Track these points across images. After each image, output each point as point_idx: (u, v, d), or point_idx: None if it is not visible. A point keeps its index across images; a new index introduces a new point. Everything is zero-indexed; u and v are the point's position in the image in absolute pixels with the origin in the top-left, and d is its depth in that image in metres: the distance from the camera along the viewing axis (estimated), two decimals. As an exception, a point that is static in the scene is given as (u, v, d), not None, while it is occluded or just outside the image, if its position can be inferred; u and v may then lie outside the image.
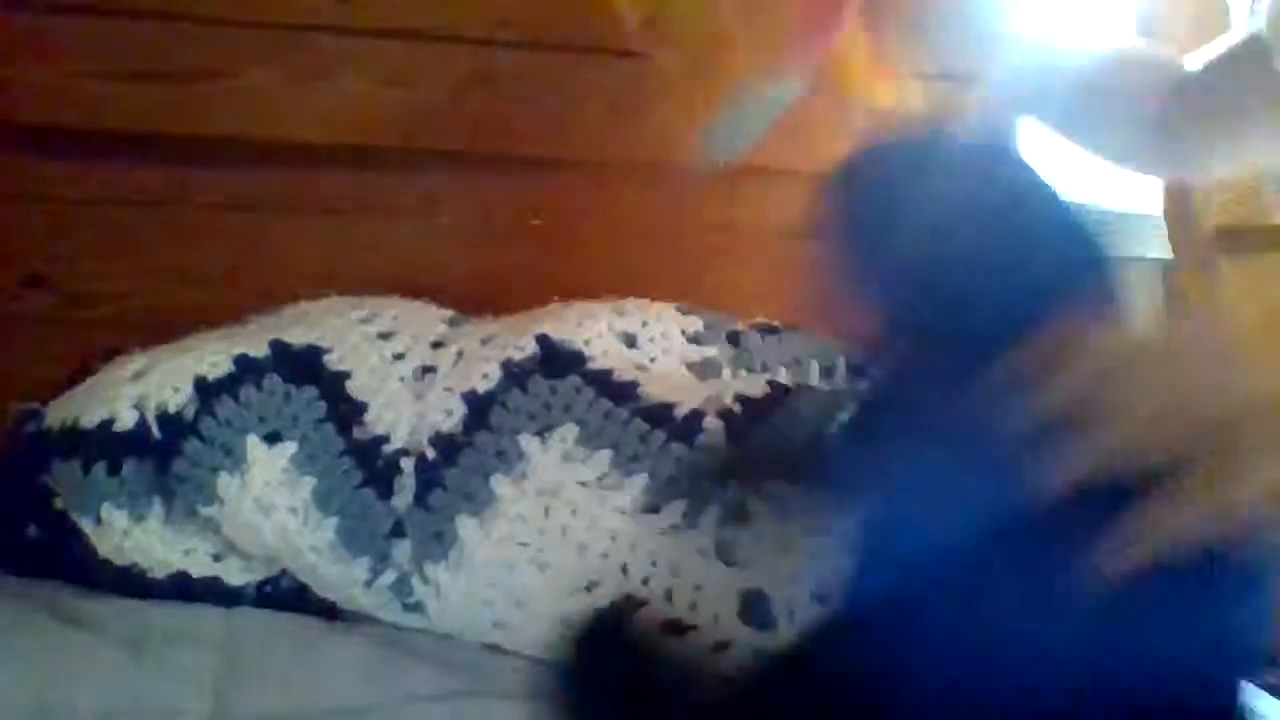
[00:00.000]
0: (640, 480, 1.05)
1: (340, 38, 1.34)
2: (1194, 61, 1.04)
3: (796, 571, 1.00)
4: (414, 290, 1.28)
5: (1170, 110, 1.02)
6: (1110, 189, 1.71)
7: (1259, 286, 1.39)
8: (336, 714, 0.94)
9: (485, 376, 1.12)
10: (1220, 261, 1.40)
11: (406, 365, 1.15)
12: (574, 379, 1.11)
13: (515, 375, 1.12)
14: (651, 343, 1.21)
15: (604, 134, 1.39)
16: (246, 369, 1.11)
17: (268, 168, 1.35)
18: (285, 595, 1.11)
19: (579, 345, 1.15)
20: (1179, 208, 1.53)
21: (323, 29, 1.34)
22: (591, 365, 1.13)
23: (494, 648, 1.06)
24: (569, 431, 1.08)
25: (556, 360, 1.13)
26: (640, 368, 1.16)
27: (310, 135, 1.35)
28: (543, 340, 1.14)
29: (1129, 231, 1.71)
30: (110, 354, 1.17)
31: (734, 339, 1.24)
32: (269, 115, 1.33)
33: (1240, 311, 1.42)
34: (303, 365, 1.13)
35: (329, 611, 1.10)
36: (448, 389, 1.12)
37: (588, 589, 1.02)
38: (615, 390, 1.11)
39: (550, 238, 1.38)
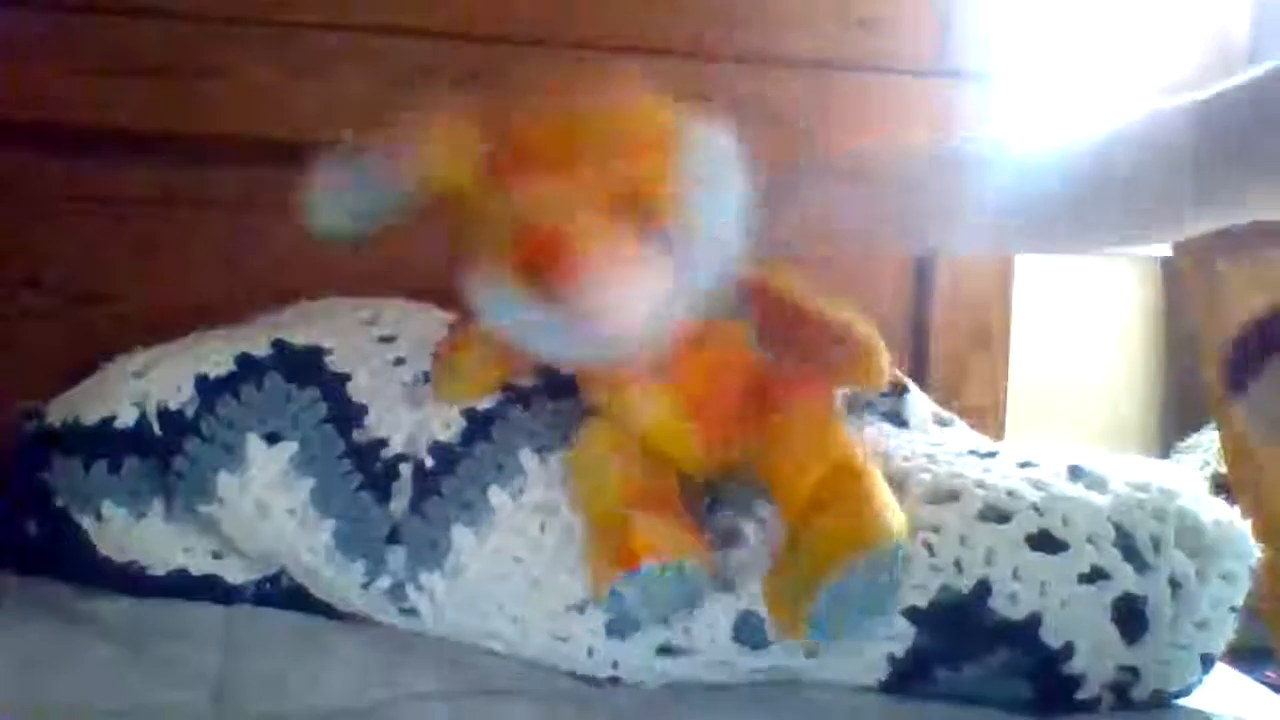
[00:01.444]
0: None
1: (340, 35, 1.34)
2: (1209, 93, 0.93)
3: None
4: (413, 289, 1.28)
5: (1197, 148, 0.91)
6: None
7: (1258, 284, 1.39)
8: (336, 713, 0.94)
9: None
10: (1220, 258, 1.40)
11: (408, 370, 1.14)
12: (576, 401, 1.11)
13: (516, 393, 1.12)
14: None
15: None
16: (248, 368, 1.11)
17: (268, 167, 1.34)
18: (285, 593, 1.11)
19: None
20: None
21: (323, 27, 1.34)
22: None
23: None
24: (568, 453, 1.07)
25: (559, 383, 1.13)
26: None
27: (310, 134, 1.34)
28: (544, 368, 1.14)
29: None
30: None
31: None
32: (270, 114, 1.33)
33: (1241, 311, 1.41)
34: (304, 366, 1.12)
35: (328, 610, 1.10)
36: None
37: (580, 609, 1.02)
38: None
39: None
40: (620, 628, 1.00)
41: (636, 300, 0.91)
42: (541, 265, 0.89)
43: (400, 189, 0.99)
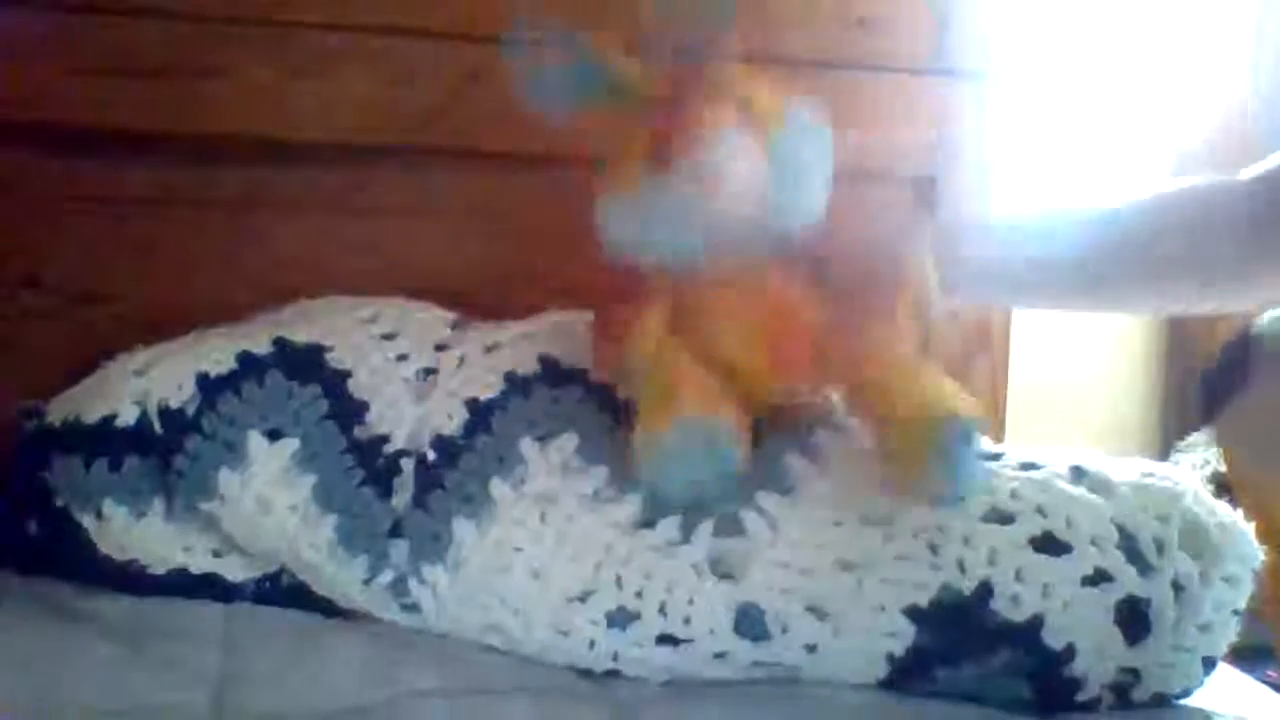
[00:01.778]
0: (637, 496, 1.05)
1: (340, 35, 1.34)
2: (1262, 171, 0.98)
3: (789, 584, 1.00)
4: (413, 289, 1.28)
5: (1253, 226, 0.96)
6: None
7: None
8: (336, 712, 0.94)
9: (488, 386, 1.12)
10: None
11: (409, 367, 1.15)
12: (576, 390, 1.12)
13: (518, 384, 1.12)
14: None
15: (605, 132, 1.38)
16: (249, 366, 1.11)
17: (268, 166, 1.35)
18: (285, 592, 1.11)
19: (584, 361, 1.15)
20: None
21: (323, 27, 1.33)
22: (593, 378, 1.13)
23: (494, 646, 1.06)
24: (569, 441, 1.08)
25: (559, 373, 1.13)
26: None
27: (310, 134, 1.34)
28: (545, 358, 1.15)
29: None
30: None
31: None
32: (269, 114, 1.32)
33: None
34: (305, 363, 1.13)
35: (328, 608, 1.10)
36: (450, 393, 1.12)
37: (581, 599, 1.02)
38: (616, 406, 1.11)
39: (549, 236, 1.38)
40: (656, 504, 1.02)
41: (744, 177, 1.04)
42: (672, 138, 1.04)
43: (607, 69, 1.08)
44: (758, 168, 1.05)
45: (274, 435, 1.08)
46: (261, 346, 1.13)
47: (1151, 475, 1.06)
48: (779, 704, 1.00)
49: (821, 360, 1.06)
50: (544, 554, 1.03)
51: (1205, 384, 0.95)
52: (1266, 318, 0.93)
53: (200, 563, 1.10)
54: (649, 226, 1.07)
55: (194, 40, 1.31)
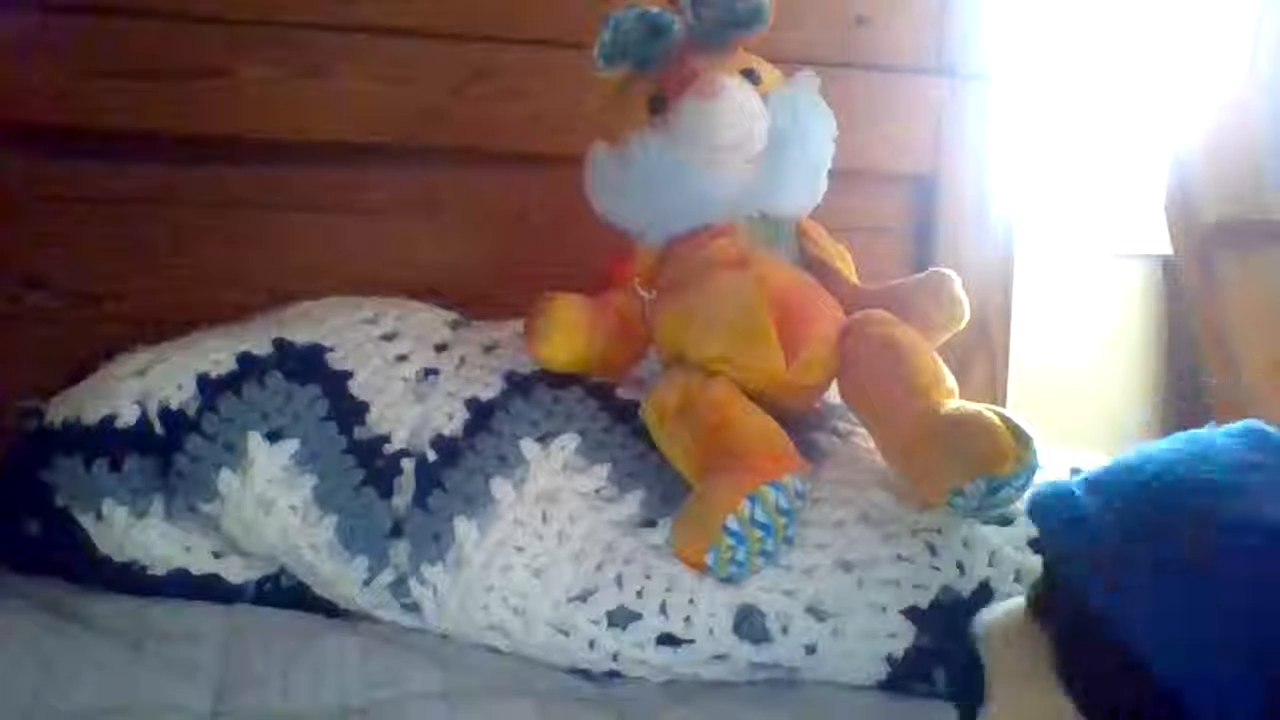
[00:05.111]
0: (638, 495, 1.05)
1: (340, 35, 1.34)
2: None
3: (790, 585, 1.00)
4: (413, 288, 1.29)
5: None
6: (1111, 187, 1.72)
7: (1258, 282, 1.39)
8: (336, 712, 0.94)
9: (488, 385, 1.12)
10: (1220, 257, 1.40)
11: (409, 367, 1.15)
12: (577, 389, 1.12)
13: (518, 383, 1.12)
14: None
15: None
16: (249, 366, 1.11)
17: (267, 166, 1.35)
18: (285, 593, 1.12)
19: None
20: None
21: (322, 27, 1.34)
22: (594, 379, 1.14)
23: (494, 647, 1.06)
24: (570, 440, 1.08)
25: (559, 372, 1.13)
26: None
27: (310, 133, 1.35)
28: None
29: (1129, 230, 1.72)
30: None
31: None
32: (269, 114, 1.33)
33: (1239, 306, 1.42)
34: (305, 364, 1.13)
35: (329, 609, 1.10)
36: (450, 393, 1.12)
37: (582, 598, 1.02)
38: (617, 405, 1.11)
39: (550, 236, 1.38)
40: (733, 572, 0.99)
41: (739, 135, 1.08)
42: (674, 89, 1.09)
43: None
44: (753, 127, 1.08)
45: (274, 436, 1.08)
46: (262, 347, 1.13)
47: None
48: (778, 705, 0.99)
49: (833, 349, 1.06)
50: (545, 553, 1.03)
51: None
52: None
53: (201, 563, 1.10)
54: (636, 177, 1.10)
55: (194, 40, 1.31)
